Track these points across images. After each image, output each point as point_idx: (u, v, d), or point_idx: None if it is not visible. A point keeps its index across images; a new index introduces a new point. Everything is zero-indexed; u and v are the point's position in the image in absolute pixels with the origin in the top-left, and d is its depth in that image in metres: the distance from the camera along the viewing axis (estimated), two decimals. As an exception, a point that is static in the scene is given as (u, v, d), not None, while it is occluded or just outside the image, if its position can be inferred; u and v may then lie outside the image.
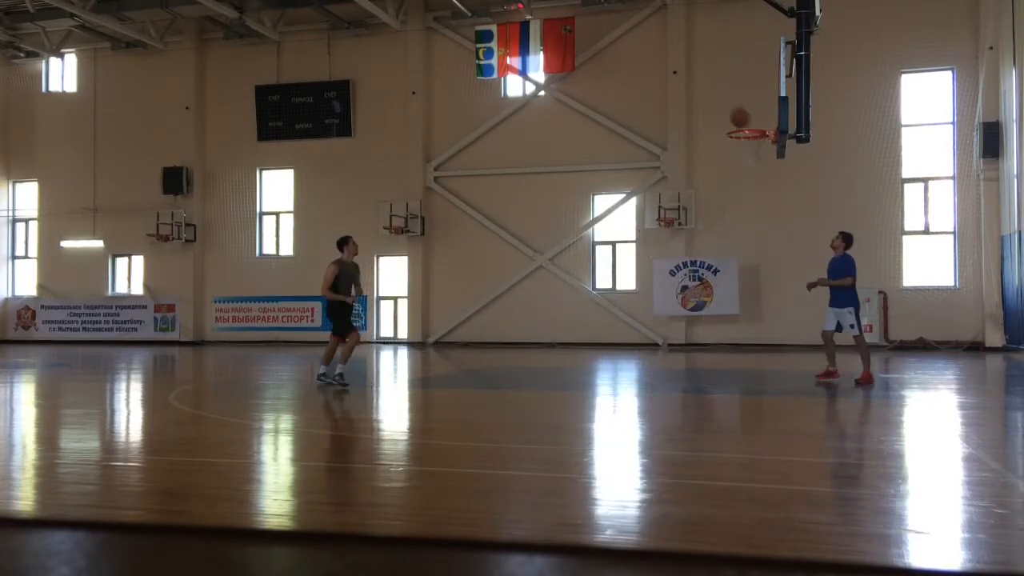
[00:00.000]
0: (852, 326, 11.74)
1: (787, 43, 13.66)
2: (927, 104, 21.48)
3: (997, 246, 20.13)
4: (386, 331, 25.01)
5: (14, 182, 28.52)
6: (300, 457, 6.60)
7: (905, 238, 21.44)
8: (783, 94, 13.58)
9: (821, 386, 11.48)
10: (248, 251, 26.25)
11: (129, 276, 27.44)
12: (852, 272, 11.74)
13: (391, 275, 24.95)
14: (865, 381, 11.52)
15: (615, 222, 23.48)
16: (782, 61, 13.65)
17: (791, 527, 4.10)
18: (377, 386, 12.93)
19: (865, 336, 12.07)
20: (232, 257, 26.19)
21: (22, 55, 27.47)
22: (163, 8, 23.98)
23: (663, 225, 22.09)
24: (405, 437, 7.51)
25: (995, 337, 20.12)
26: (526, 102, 24.03)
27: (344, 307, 11.49)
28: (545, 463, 6.03)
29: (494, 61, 23.23)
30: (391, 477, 5.63)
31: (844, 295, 11.79)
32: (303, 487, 5.39)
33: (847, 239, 12.02)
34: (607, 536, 4.04)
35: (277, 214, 26.28)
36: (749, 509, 4.48)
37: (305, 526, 4.35)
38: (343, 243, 11.81)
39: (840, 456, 6.17)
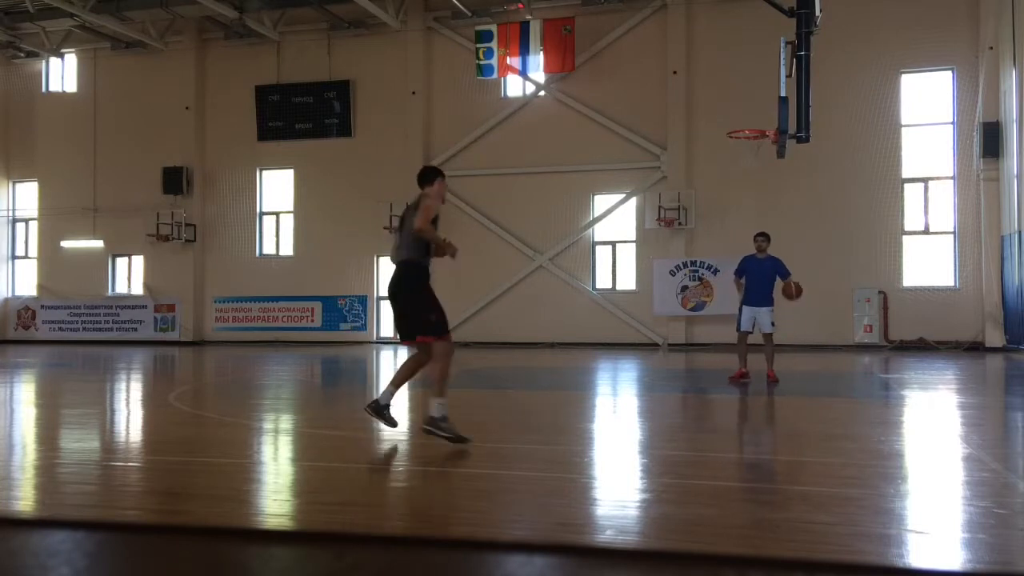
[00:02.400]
0: (773, 324, 11.89)
1: (787, 43, 13.68)
2: (927, 104, 21.48)
3: (997, 246, 20.12)
4: (386, 331, 24.99)
5: (14, 182, 28.52)
6: (300, 457, 6.60)
7: (905, 238, 21.44)
8: (783, 94, 13.61)
9: (734, 386, 11.48)
10: (248, 251, 26.24)
11: (129, 276, 27.44)
12: (789, 272, 11.95)
13: (391, 275, 24.90)
14: (772, 379, 11.69)
15: (615, 222, 23.48)
16: (782, 61, 13.67)
17: (791, 527, 4.10)
18: (377, 386, 12.93)
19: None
20: (232, 257, 26.18)
21: (22, 55, 27.47)
22: (163, 8, 23.98)
23: (663, 225, 22.08)
24: (405, 437, 7.50)
25: (995, 337, 20.12)
26: (526, 102, 24.03)
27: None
28: (545, 463, 6.03)
29: (494, 61, 23.24)
30: (391, 477, 5.63)
31: (767, 294, 11.90)
32: (303, 487, 5.39)
33: (770, 239, 12.14)
34: (607, 536, 4.04)
35: (277, 214, 26.29)
36: (749, 509, 4.48)
37: (305, 526, 4.35)
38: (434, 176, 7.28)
39: (840, 456, 6.17)
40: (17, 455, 6.51)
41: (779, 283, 12.00)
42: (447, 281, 24.21)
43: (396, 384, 6.91)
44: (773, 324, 11.89)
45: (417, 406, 10.49)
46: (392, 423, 6.91)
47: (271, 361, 18.07)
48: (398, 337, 7.24)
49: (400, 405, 10.38)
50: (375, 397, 6.96)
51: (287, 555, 3.87)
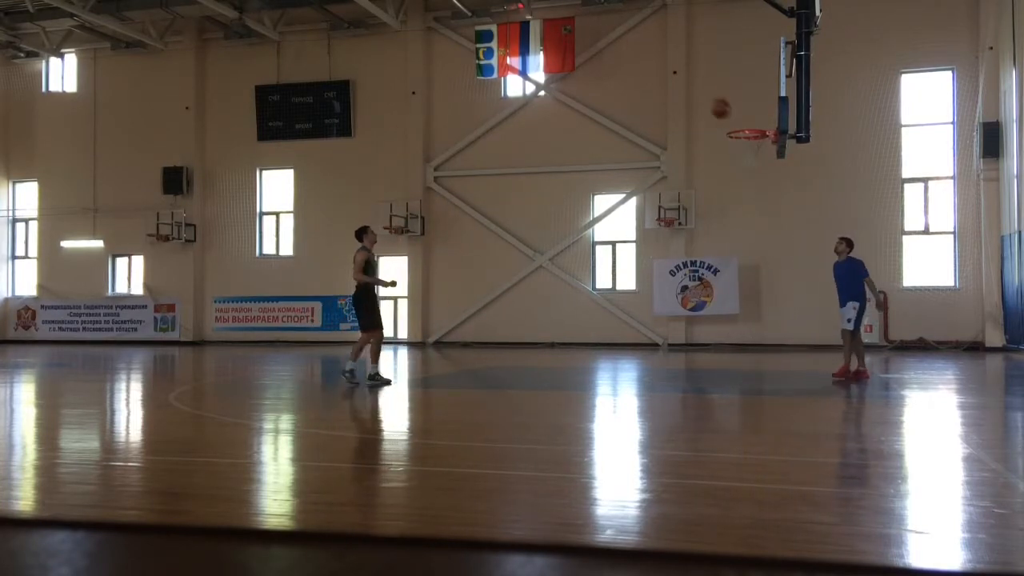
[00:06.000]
0: (850, 320, 12.12)
1: (787, 43, 13.68)
2: (927, 104, 21.47)
3: (997, 246, 20.12)
4: (386, 331, 24.94)
5: (14, 182, 28.52)
6: (300, 457, 6.60)
7: (905, 238, 21.44)
8: (783, 94, 13.60)
9: (852, 384, 11.60)
10: (248, 251, 26.24)
11: (129, 276, 27.44)
12: (867, 272, 12.29)
13: (391, 275, 24.89)
14: (842, 376, 11.99)
15: (615, 222, 23.48)
16: (782, 61, 13.66)
17: (791, 527, 4.10)
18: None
19: (863, 336, 12.35)
20: (232, 257, 26.18)
21: (22, 55, 27.47)
22: (163, 8, 23.99)
23: (663, 225, 22.08)
24: (405, 437, 7.51)
25: (995, 337, 20.11)
26: (526, 102, 24.02)
27: (374, 298, 11.89)
28: (545, 463, 6.03)
29: (494, 61, 23.24)
30: (391, 477, 5.63)
31: (853, 293, 12.20)
32: (303, 487, 5.39)
33: (851, 244, 12.50)
34: (607, 536, 4.04)
35: (277, 214, 26.29)
36: (749, 509, 4.48)
37: (305, 526, 4.35)
38: (363, 232, 11.85)
39: (840, 456, 6.17)
40: (17, 455, 6.51)
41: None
42: (447, 282, 24.39)
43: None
44: (849, 321, 12.10)
45: (416, 406, 10.49)
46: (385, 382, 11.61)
47: (271, 361, 18.07)
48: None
49: (399, 405, 10.39)
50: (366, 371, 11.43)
51: (287, 555, 3.87)
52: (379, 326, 11.87)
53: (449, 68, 24.41)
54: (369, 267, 11.62)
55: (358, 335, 12.10)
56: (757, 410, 9.82)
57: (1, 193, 28.36)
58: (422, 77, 24.51)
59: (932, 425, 8.01)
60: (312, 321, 25.15)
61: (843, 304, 12.23)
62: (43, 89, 28.06)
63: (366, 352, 11.92)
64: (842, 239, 12.55)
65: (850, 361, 12.19)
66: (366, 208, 24.17)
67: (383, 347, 12.18)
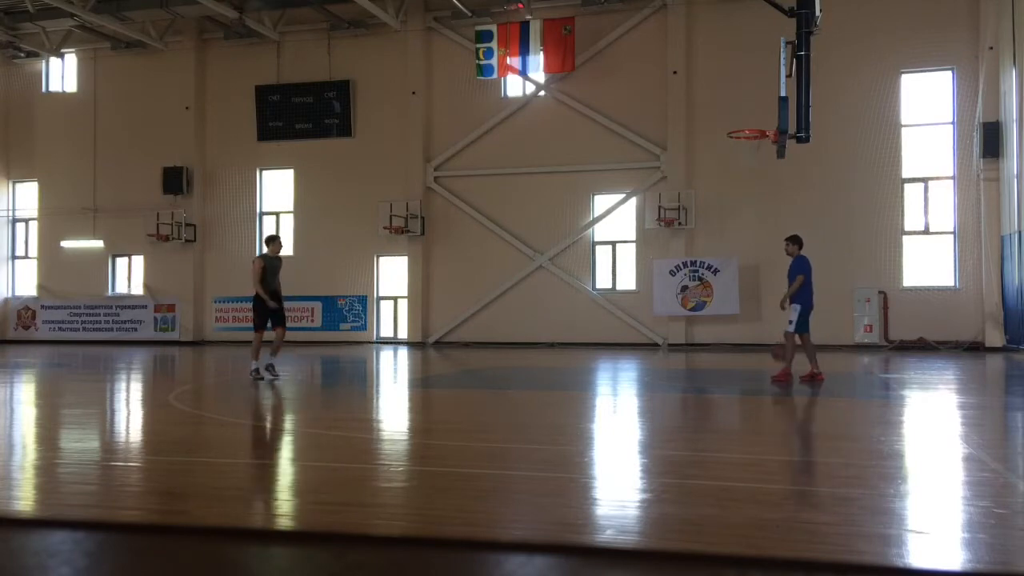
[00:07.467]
0: (790, 322, 11.90)
1: (787, 43, 13.70)
2: (927, 104, 21.47)
3: (997, 246, 20.12)
4: (386, 331, 25.01)
5: (14, 182, 28.53)
6: (300, 457, 6.60)
7: (905, 238, 21.44)
8: (783, 94, 13.61)
9: (805, 385, 11.50)
10: (248, 251, 26.19)
11: (129, 276, 27.45)
12: (803, 271, 11.91)
13: (391, 275, 24.95)
14: (781, 379, 11.65)
15: (615, 222, 23.48)
16: (782, 61, 13.68)
17: (791, 527, 4.10)
18: (377, 386, 12.94)
19: (803, 338, 12.02)
20: (232, 257, 26.16)
21: (22, 55, 27.48)
22: (163, 8, 23.98)
23: (663, 225, 22.09)
24: (405, 437, 7.50)
25: (995, 337, 20.12)
26: (526, 102, 24.02)
27: (274, 299, 12.87)
28: (545, 463, 6.03)
29: (494, 61, 23.24)
30: (391, 477, 5.63)
31: (797, 293, 11.94)
32: (303, 487, 5.39)
33: (798, 242, 12.16)
34: (607, 536, 4.04)
35: (277, 214, 26.29)
36: (749, 509, 4.48)
37: (305, 526, 4.35)
38: (271, 241, 13.20)
39: (840, 456, 6.17)
40: (17, 455, 6.51)
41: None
42: (447, 282, 24.40)
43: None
44: (790, 323, 11.91)
45: (416, 406, 10.49)
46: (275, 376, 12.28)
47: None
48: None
49: (399, 405, 10.39)
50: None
51: (287, 555, 3.87)
52: (264, 327, 12.83)
53: (449, 68, 24.41)
54: (266, 273, 12.70)
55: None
56: (757, 410, 9.82)
57: (1, 193, 28.37)
58: (422, 77, 24.51)
59: (932, 425, 8.01)
60: (312, 321, 25.13)
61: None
62: (43, 89, 28.06)
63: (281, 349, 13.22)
64: (789, 239, 12.17)
65: (815, 362, 11.93)
66: (366, 208, 24.20)
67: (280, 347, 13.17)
